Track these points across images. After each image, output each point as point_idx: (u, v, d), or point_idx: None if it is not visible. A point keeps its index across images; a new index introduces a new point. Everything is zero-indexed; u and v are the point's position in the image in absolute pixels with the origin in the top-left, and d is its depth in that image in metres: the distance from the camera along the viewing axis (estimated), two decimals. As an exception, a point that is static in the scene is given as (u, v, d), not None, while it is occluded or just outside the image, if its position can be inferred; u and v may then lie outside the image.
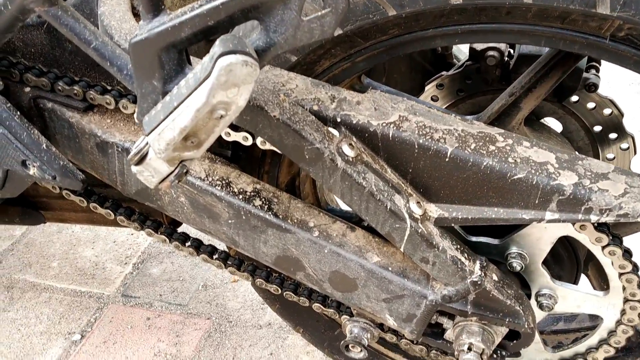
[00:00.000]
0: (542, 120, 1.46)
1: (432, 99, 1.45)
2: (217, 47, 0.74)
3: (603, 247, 1.07)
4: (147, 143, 0.84)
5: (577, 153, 1.48)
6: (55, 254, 2.24)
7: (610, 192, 0.97)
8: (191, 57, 0.88)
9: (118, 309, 2.01)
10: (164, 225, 1.41)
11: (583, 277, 1.34)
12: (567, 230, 1.08)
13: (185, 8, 0.79)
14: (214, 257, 1.40)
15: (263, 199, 1.16)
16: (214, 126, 0.82)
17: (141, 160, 0.86)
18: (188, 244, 1.39)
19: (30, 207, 1.56)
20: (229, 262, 1.40)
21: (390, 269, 1.13)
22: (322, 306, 1.38)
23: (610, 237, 1.06)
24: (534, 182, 0.98)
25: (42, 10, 0.88)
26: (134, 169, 0.87)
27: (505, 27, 0.98)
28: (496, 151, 1.00)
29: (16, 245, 2.28)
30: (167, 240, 1.40)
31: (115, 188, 1.29)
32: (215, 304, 2.03)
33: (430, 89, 1.44)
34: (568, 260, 1.22)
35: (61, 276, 2.14)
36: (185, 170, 0.89)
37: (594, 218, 0.97)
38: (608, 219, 0.97)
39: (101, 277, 2.14)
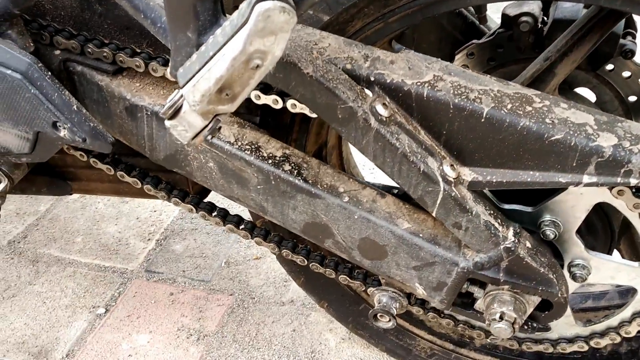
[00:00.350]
0: (575, 91, 1.43)
1: (462, 67, 1.43)
2: (254, -7, 0.73)
3: (641, 214, 1.04)
4: (181, 96, 0.83)
5: (615, 116, 1.46)
6: (79, 230, 2.25)
7: (651, 154, 0.94)
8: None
9: (142, 284, 2.02)
10: (190, 194, 1.41)
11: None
12: (604, 196, 1.05)
13: (222, -44, 0.78)
14: (240, 227, 1.39)
15: (292, 164, 1.15)
16: (249, 78, 0.80)
17: (175, 113, 0.85)
18: (214, 213, 1.39)
19: (57, 177, 1.56)
20: (254, 233, 1.39)
21: (421, 235, 1.11)
22: (348, 278, 1.37)
23: (650, 203, 1.03)
24: (572, 144, 0.95)
25: (75, -39, 0.87)
26: (167, 123, 0.86)
27: (544, -17, 0.96)
28: (533, 112, 0.98)
29: (41, 221, 2.30)
30: (194, 209, 1.40)
31: (142, 156, 1.28)
32: (238, 280, 2.03)
33: (460, 57, 1.42)
34: (602, 230, 1.19)
35: (85, 251, 2.15)
36: (219, 126, 0.88)
37: (633, 181, 0.95)
38: (649, 181, 0.94)
39: (125, 253, 2.15)
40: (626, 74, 1.36)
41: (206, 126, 0.86)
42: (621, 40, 1.30)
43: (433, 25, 1.50)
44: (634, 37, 1.33)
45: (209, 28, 0.83)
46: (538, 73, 1.21)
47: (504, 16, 1.33)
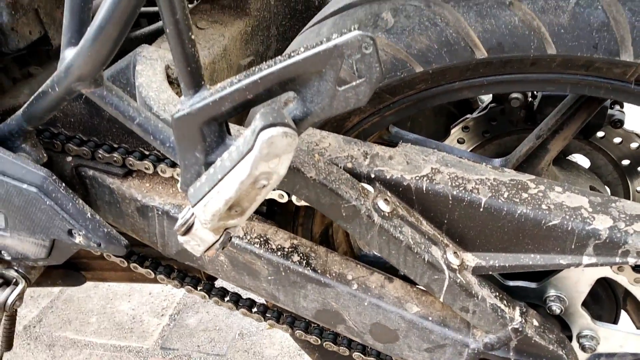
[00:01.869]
0: (569, 157, 1.47)
1: (458, 141, 1.48)
2: (258, 121, 0.77)
3: (643, 287, 1.07)
4: (193, 214, 0.88)
5: (608, 191, 1.49)
6: (93, 309, 2.28)
7: (646, 234, 0.97)
8: (230, 125, 0.92)
9: (157, 362, 2.03)
10: (202, 281, 1.44)
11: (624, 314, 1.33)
12: (605, 272, 1.08)
13: (224, 83, 0.83)
14: (253, 310, 1.42)
15: (301, 254, 1.19)
16: (257, 195, 0.84)
17: (188, 230, 0.89)
18: (227, 298, 1.42)
19: (71, 268, 1.59)
20: (267, 315, 1.41)
21: (430, 318, 1.14)
22: (362, 355, 1.39)
23: (650, 277, 1.06)
24: (569, 228, 0.99)
25: (88, 91, 0.92)
26: (180, 239, 0.90)
27: (530, 77, 1.01)
28: (529, 198, 1.01)
29: (55, 302, 2.33)
30: (207, 296, 1.43)
31: (155, 249, 1.32)
32: (253, 352, 2.04)
33: (456, 131, 1.47)
34: (607, 299, 1.22)
35: (100, 331, 2.17)
36: (229, 237, 0.92)
37: (631, 260, 0.98)
38: (646, 260, 0.97)
39: (139, 330, 2.17)
40: (617, 140, 1.40)
41: (217, 240, 0.90)
42: (609, 111, 1.34)
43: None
44: (622, 106, 1.38)
45: (215, 148, 0.88)
46: (532, 150, 1.25)
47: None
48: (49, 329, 2.19)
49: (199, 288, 1.43)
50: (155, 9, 1.72)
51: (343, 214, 1.02)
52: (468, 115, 1.45)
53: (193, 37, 0.81)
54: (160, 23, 1.61)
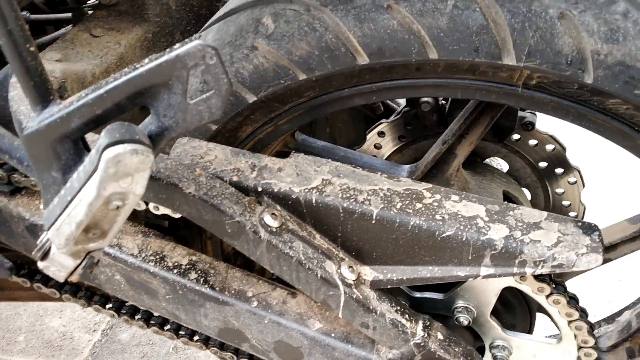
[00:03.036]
0: (487, 160, 1.43)
1: (375, 146, 1.43)
2: (102, 138, 0.72)
3: (547, 296, 1.03)
4: (48, 238, 0.81)
5: (527, 194, 1.46)
6: (21, 327, 2.19)
7: (542, 243, 0.93)
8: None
9: (86, 380, 1.96)
10: (112, 299, 1.37)
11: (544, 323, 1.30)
12: (509, 281, 1.05)
13: (73, 98, 0.77)
14: (165, 328, 1.36)
15: (199, 272, 1.13)
16: (115, 216, 0.78)
17: (45, 255, 0.83)
18: (138, 316, 1.35)
19: (-22, 288, 1.51)
20: (181, 333, 1.35)
21: (333, 335, 1.09)
22: (279, 372, 1.33)
23: (553, 286, 1.02)
24: (464, 239, 0.95)
25: None
26: (39, 264, 0.84)
27: (418, 82, 0.96)
28: (423, 209, 0.97)
29: (-19, 321, 2.23)
30: (116, 315, 1.36)
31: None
32: (186, 366, 1.98)
33: (372, 136, 1.42)
34: (519, 308, 1.18)
35: (27, 350, 2.09)
36: (96, 261, 0.86)
37: (529, 270, 0.94)
38: (543, 270, 0.93)
39: (69, 348, 2.09)
40: (532, 142, 1.37)
41: (79, 265, 0.84)
42: (520, 113, 1.31)
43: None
44: (534, 107, 1.34)
45: (73, 166, 0.81)
46: (439, 156, 1.21)
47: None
48: (-27, 349, 2.10)
49: (107, 307, 1.36)
50: (65, 15, 1.64)
51: (228, 230, 0.96)
52: (383, 120, 1.40)
53: (32, 48, 0.74)
54: (64, 30, 1.53)
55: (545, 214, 0.98)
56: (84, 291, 1.37)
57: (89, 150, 0.83)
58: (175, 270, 1.13)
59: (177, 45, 0.70)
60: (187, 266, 1.13)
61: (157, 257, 1.14)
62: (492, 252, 0.95)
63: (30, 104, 0.78)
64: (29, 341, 2.12)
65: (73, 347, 2.08)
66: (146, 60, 0.72)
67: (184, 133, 0.78)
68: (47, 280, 1.35)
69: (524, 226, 0.96)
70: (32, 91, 0.77)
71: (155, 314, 1.37)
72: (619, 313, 1.45)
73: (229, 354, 1.35)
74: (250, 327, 1.12)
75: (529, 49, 0.84)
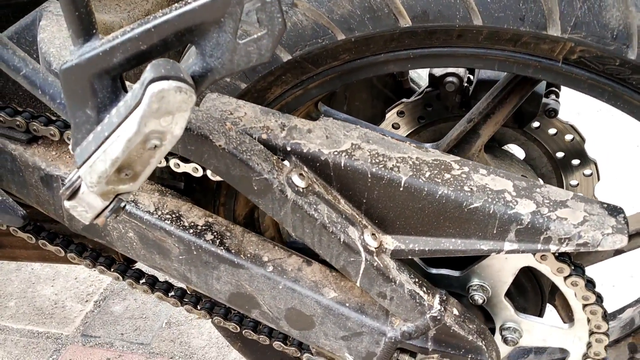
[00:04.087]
0: (504, 147, 1.43)
1: (393, 126, 1.43)
2: (147, 73, 0.70)
3: (565, 278, 1.03)
4: (79, 176, 0.80)
5: (537, 180, 1.46)
6: (12, 293, 2.15)
7: (569, 221, 0.93)
8: (128, 84, 0.84)
9: (77, 349, 1.93)
10: (117, 261, 1.35)
11: (550, 308, 1.30)
12: (528, 260, 1.04)
13: (117, 32, 0.75)
14: (170, 294, 1.34)
15: (215, 233, 1.11)
16: (150, 157, 0.77)
17: (73, 194, 0.81)
18: (142, 281, 1.34)
19: (-22, 244, 1.48)
20: (185, 300, 1.34)
21: (347, 304, 1.08)
22: (282, 344, 1.32)
23: (572, 268, 1.02)
24: (490, 211, 0.94)
25: (-32, 37, 0.83)
26: (66, 204, 0.82)
27: (457, 51, 0.96)
28: (451, 179, 0.96)
29: (-29, 285, 2.20)
30: (120, 277, 1.34)
31: (62, 223, 1.23)
32: (179, 342, 1.96)
33: (391, 116, 1.41)
34: (532, 291, 1.18)
35: (18, 316, 2.05)
36: (123, 205, 0.85)
37: (553, 248, 0.94)
38: (568, 248, 0.93)
39: (60, 317, 2.06)
40: (552, 131, 1.37)
41: (107, 207, 0.82)
42: (544, 100, 1.31)
43: (364, 83, 1.50)
44: (557, 95, 1.35)
45: (109, 105, 0.80)
46: (462, 134, 1.21)
47: (431, 76, 1.34)
48: (-38, 312, 2.07)
49: (112, 269, 1.34)
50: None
51: (254, 187, 0.95)
52: (403, 100, 1.40)
53: (81, -24, 0.73)
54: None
55: (571, 193, 0.98)
56: (90, 251, 1.35)
57: (126, 90, 0.82)
58: (191, 230, 1.11)
59: (234, -19, 0.68)
60: (203, 227, 1.12)
61: (174, 216, 1.12)
62: (518, 226, 0.94)
63: (72, 37, 0.77)
64: (20, 307, 2.09)
65: (64, 316, 2.05)
66: (199, -4, 0.70)
67: (227, 76, 0.77)
68: (53, 237, 1.33)
69: (551, 203, 0.96)
70: (76, 23, 0.75)
71: (161, 279, 1.35)
72: (621, 310, 1.46)
73: (233, 324, 1.33)
74: (263, 292, 1.11)
75: (576, 21, 0.83)
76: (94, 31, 0.77)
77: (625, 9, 0.81)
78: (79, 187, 0.80)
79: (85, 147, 0.77)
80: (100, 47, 0.75)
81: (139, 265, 1.40)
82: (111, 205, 0.82)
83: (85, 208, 0.82)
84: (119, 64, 0.76)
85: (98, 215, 0.83)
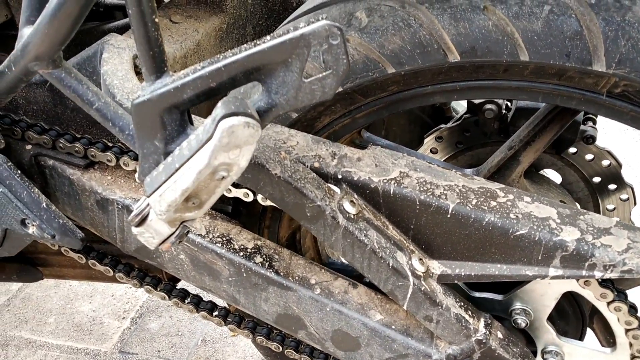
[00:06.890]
0: (541, 172, 1.46)
1: (431, 151, 1.46)
2: (219, 109, 0.75)
3: (608, 303, 1.05)
4: (148, 204, 0.84)
5: (578, 207, 1.49)
6: (52, 309, 2.21)
7: (613, 248, 0.96)
8: (193, 117, 0.89)
9: (115, 366, 1.97)
10: (163, 281, 1.40)
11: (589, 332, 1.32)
12: (572, 285, 1.07)
13: (188, 70, 0.80)
14: (214, 314, 1.38)
15: (264, 256, 1.15)
16: (216, 187, 0.81)
17: (142, 221, 0.85)
18: (187, 300, 1.38)
19: (27, 263, 1.54)
20: (229, 319, 1.37)
21: (393, 327, 1.11)
22: (324, 364, 1.35)
23: (615, 293, 1.05)
24: (536, 238, 0.97)
25: (45, 72, 0.88)
26: (134, 230, 0.86)
27: (502, 84, 0.99)
28: (497, 207, 1.00)
29: (12, 301, 2.25)
30: (167, 297, 1.38)
31: (114, 245, 1.28)
32: (215, 359, 1.99)
33: (429, 141, 1.45)
34: (573, 315, 1.20)
35: (57, 332, 2.10)
36: (186, 231, 0.89)
37: (598, 274, 0.96)
38: (612, 274, 0.95)
39: (98, 333, 2.11)
40: (589, 156, 1.40)
41: (173, 233, 0.87)
42: (582, 127, 1.34)
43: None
44: (594, 122, 1.38)
45: (176, 137, 0.85)
46: (503, 161, 1.24)
47: (469, 103, 1.37)
48: (4, 327, 2.12)
49: (159, 288, 1.38)
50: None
51: (307, 214, 0.99)
52: (442, 125, 1.43)
53: (156, 19, 0.78)
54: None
55: (614, 220, 1.00)
56: (137, 271, 1.39)
57: (192, 123, 0.87)
58: (241, 253, 1.15)
59: (302, 24, 0.73)
60: (253, 250, 1.16)
61: (224, 239, 1.17)
62: (563, 253, 0.97)
63: (144, 73, 0.82)
64: (59, 323, 2.14)
65: (102, 332, 2.10)
66: (268, 38, 0.75)
67: (290, 111, 0.81)
68: (102, 257, 1.37)
69: (595, 230, 0.98)
70: (149, 60, 0.80)
71: (205, 299, 1.39)
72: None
73: (275, 343, 1.37)
74: (310, 314, 1.15)
75: (620, 57, 0.87)
76: (165, 68, 0.82)
77: (669, 46, 0.84)
78: (148, 214, 0.85)
79: (155, 177, 0.82)
80: (172, 83, 0.80)
81: (182, 284, 1.44)
82: (177, 232, 0.86)
83: (152, 234, 0.86)
84: (189, 100, 0.81)
85: (164, 241, 0.87)
